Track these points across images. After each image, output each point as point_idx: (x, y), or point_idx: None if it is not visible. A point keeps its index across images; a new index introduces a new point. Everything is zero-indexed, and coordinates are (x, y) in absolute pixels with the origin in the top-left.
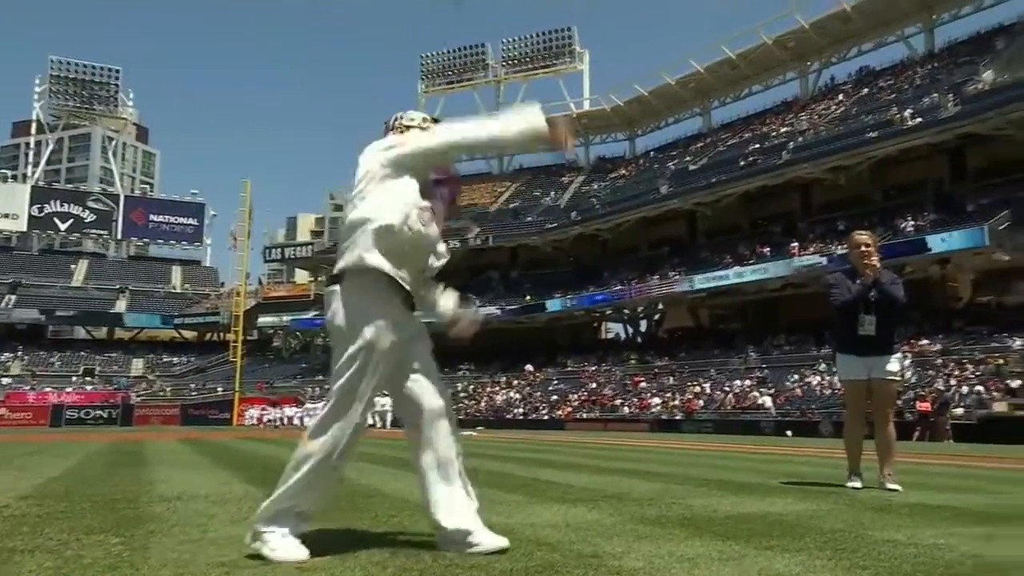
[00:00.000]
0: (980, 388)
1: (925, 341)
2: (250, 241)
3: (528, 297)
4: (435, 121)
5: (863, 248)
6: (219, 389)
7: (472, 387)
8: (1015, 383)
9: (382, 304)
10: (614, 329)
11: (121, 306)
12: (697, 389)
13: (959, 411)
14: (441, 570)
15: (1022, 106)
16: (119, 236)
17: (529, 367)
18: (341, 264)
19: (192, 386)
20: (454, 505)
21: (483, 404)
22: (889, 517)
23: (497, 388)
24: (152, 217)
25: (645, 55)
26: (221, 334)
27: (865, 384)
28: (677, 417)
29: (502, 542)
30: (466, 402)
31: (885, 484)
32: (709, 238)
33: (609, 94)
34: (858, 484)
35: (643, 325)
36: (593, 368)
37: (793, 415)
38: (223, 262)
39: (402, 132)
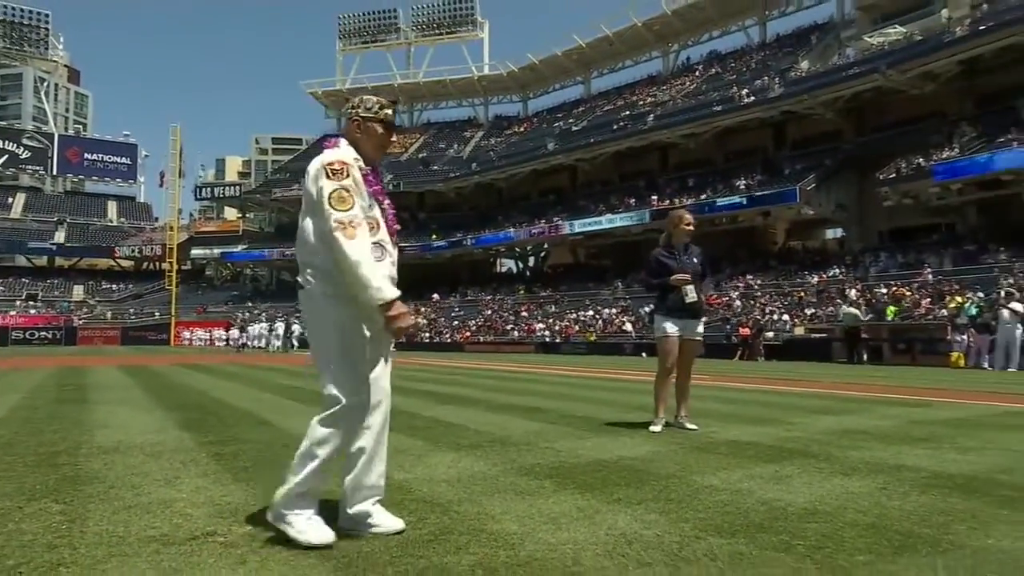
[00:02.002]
0: (786, 316)
1: (750, 277)
2: (181, 180)
3: (434, 236)
4: (394, 103)
5: (691, 227)
6: (156, 314)
7: None
8: (810, 311)
9: (346, 301)
10: (507, 264)
11: (60, 237)
12: (573, 316)
13: (770, 334)
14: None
15: (828, 91)
16: (54, 172)
17: (435, 296)
18: (307, 279)
19: (131, 311)
20: (363, 491)
21: None
22: (711, 458)
23: None
24: (87, 155)
25: (537, 27)
26: (157, 264)
27: (678, 340)
28: (557, 340)
29: (398, 524)
30: None
31: (684, 424)
32: (587, 189)
33: (506, 61)
34: (659, 428)
35: (531, 261)
36: (489, 297)
37: (648, 338)
38: (157, 198)
39: (359, 124)
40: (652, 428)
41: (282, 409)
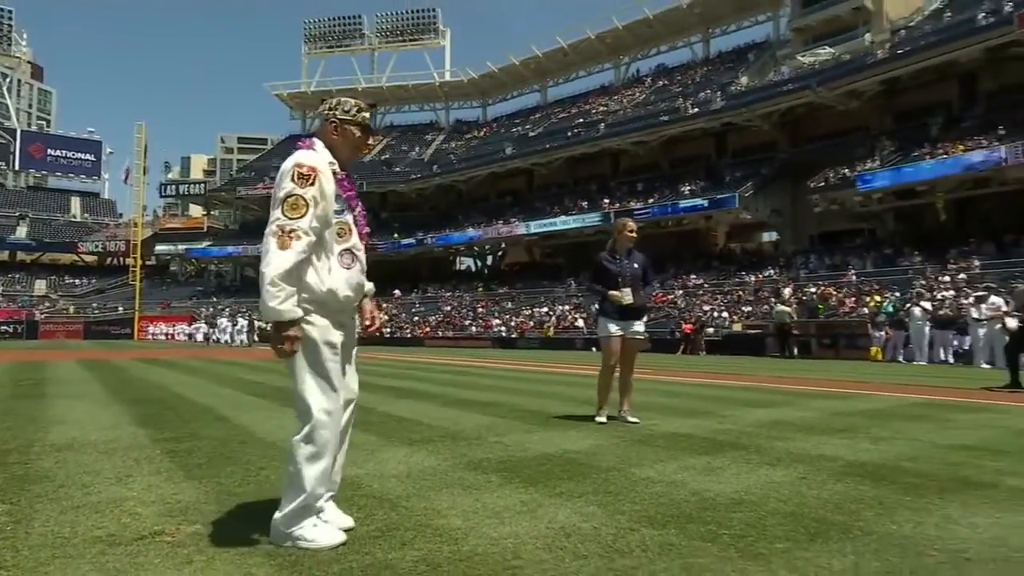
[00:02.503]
0: (725, 313)
1: (693, 276)
2: (146, 177)
3: (396, 235)
4: (372, 107)
5: (634, 234)
6: (120, 308)
7: None
8: (747, 309)
9: (319, 310)
10: (466, 262)
11: (22, 232)
12: (528, 313)
13: (711, 330)
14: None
15: (765, 105)
16: (16, 167)
17: (397, 292)
18: None
19: (94, 305)
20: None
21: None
22: (649, 451)
23: None
24: (50, 152)
25: (497, 37)
26: (121, 259)
27: (620, 340)
28: (513, 336)
29: (347, 522)
30: None
31: (626, 418)
32: (543, 192)
33: (466, 68)
34: (603, 419)
35: (489, 259)
36: (448, 294)
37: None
38: (121, 195)
39: (336, 127)
40: (598, 419)
41: (241, 405)
